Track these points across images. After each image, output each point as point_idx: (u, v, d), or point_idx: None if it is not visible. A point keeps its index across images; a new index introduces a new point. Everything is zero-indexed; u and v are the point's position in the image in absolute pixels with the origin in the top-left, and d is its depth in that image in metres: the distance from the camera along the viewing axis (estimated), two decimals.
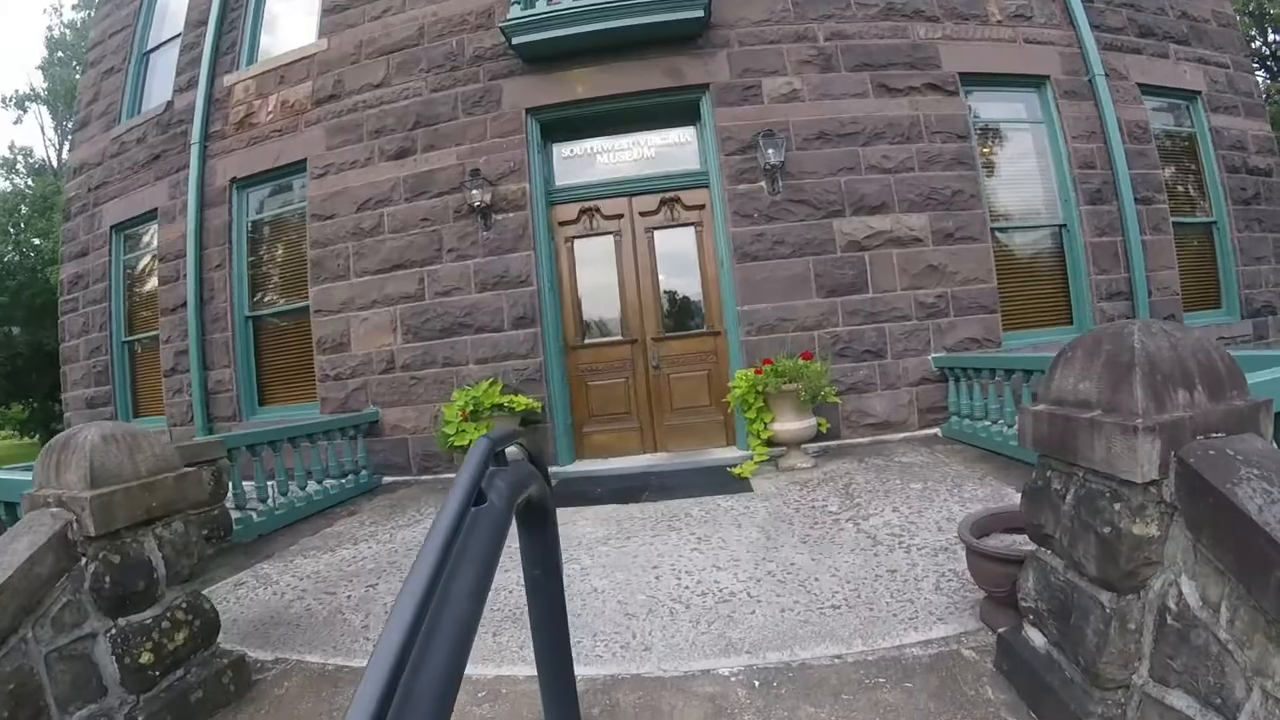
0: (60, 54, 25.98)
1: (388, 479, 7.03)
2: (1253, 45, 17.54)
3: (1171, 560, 1.79)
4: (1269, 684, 1.47)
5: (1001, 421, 5.45)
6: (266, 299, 8.25)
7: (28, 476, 3.07)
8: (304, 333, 7.71)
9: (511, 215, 6.97)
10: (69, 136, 11.58)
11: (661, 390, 7.03)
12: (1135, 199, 7.12)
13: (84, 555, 2.58)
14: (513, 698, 2.67)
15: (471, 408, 6.15)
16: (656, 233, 7.17)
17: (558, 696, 1.92)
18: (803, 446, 5.93)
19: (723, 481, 5.63)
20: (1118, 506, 1.84)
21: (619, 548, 4.23)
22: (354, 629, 3.43)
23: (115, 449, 2.68)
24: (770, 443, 5.84)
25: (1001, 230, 7.20)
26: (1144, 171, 7.33)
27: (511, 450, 1.59)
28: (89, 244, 9.43)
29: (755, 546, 3.98)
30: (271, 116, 7.97)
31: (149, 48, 9.55)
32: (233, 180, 8.09)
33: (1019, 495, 4.27)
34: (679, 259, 7.19)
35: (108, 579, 2.58)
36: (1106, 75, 7.23)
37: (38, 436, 24.17)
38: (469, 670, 2.88)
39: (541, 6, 6.79)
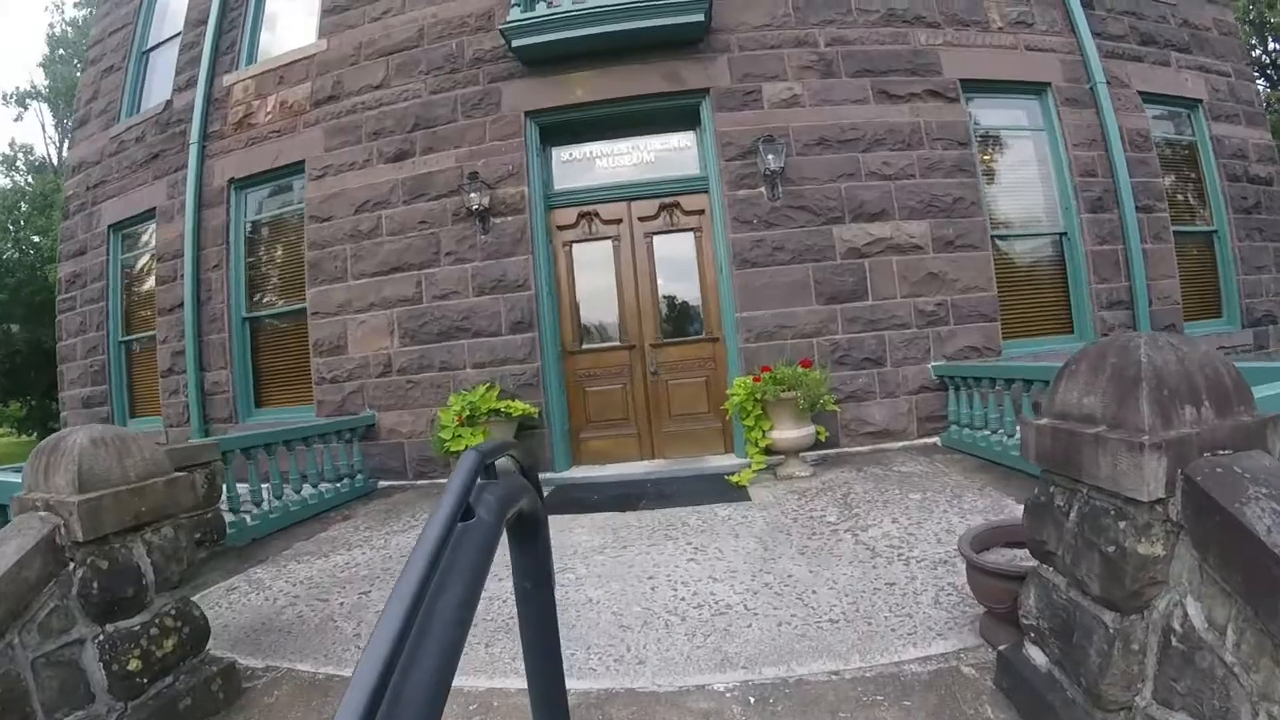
0: (62, 51, 25.95)
1: (384, 483, 6.99)
2: (1253, 54, 17.55)
3: (1177, 580, 1.76)
4: (1275, 709, 1.44)
5: (1001, 431, 5.42)
6: (264, 300, 8.22)
7: (18, 478, 3.03)
8: (301, 335, 7.67)
9: (510, 219, 6.94)
10: (69, 134, 11.57)
11: (659, 396, 6.99)
12: (1136, 207, 7.10)
13: (72, 560, 2.56)
14: (504, 711, 2.63)
15: (468, 413, 6.11)
16: (656, 238, 7.13)
17: (549, 712, 1.87)
18: (801, 455, 5.89)
19: (720, 490, 5.59)
20: (1123, 525, 1.80)
21: (615, 557, 4.20)
22: (345, 637, 3.39)
23: (104, 453, 2.65)
24: (768, 451, 5.81)
25: (1002, 238, 7.18)
26: (1145, 180, 7.32)
27: (503, 462, 1.54)
28: (87, 243, 9.39)
29: (753, 557, 3.94)
30: (270, 117, 7.94)
31: (149, 46, 9.53)
32: (231, 181, 8.06)
33: (1019, 506, 4.26)
34: (678, 264, 7.15)
35: (95, 585, 2.55)
36: (1108, 83, 7.22)
37: (35, 434, 24.10)
38: (460, 682, 2.85)
39: (541, 9, 6.77)
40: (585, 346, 7.18)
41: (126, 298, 9.28)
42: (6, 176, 25.03)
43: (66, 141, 20.66)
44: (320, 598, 3.98)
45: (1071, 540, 2.00)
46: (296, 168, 7.78)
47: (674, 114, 7.13)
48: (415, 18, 7.45)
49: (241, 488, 5.47)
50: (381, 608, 0.64)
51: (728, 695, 2.58)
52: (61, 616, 2.51)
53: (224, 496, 5.19)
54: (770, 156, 6.53)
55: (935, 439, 6.49)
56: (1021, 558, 2.67)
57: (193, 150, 8.11)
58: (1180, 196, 8.01)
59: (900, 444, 6.52)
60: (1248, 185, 8.06)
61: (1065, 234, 7.21)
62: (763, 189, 6.74)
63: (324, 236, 7.47)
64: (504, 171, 6.98)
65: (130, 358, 9.22)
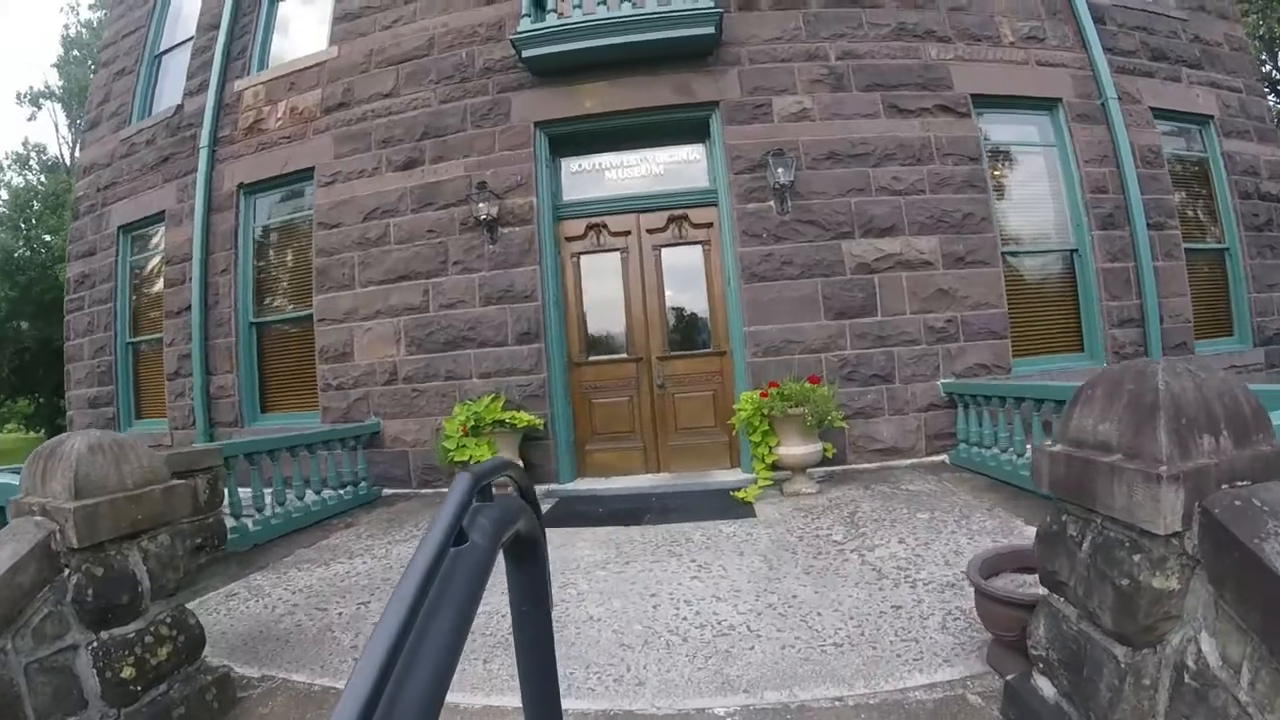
0: (76, 52, 26.19)
1: (387, 491, 6.97)
2: (1264, 69, 17.49)
3: (1191, 615, 1.70)
4: None
5: (1011, 450, 5.35)
6: (271, 306, 8.22)
7: (16, 480, 3.02)
8: (308, 341, 7.68)
9: (518, 229, 6.93)
10: (80, 135, 11.66)
11: (666, 410, 6.95)
12: (1148, 224, 7.05)
13: (67, 567, 2.54)
14: None
15: (472, 423, 6.09)
16: (664, 250, 7.11)
17: None
18: (808, 471, 5.84)
19: (726, 505, 5.54)
20: (1137, 558, 1.75)
21: (617, 573, 4.15)
22: (343, 648, 3.36)
23: (102, 459, 2.63)
24: (775, 467, 5.75)
25: (1012, 254, 7.13)
26: (1156, 196, 7.27)
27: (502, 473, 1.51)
28: (96, 244, 9.43)
29: (757, 576, 3.89)
30: (280, 123, 7.97)
31: (161, 50, 9.59)
32: (240, 185, 8.09)
33: (1028, 527, 4.23)
34: (686, 277, 7.13)
35: (90, 591, 2.54)
36: (1119, 98, 7.19)
37: (43, 431, 24.23)
38: (457, 699, 2.81)
39: (552, 20, 6.78)
40: (592, 358, 7.15)
41: (134, 299, 9.30)
42: (20, 176, 25.26)
43: (78, 142, 20.82)
44: (319, 607, 3.95)
45: (1084, 571, 1.95)
46: (306, 174, 7.81)
47: (683, 126, 7.12)
48: (426, 26, 7.48)
49: (244, 492, 5.45)
50: (379, 620, 0.61)
51: None
52: (55, 622, 2.49)
53: (226, 501, 5.17)
54: (780, 170, 6.50)
55: (944, 457, 6.42)
56: (1030, 582, 2.62)
57: (203, 154, 8.15)
58: (1191, 213, 7.96)
59: (908, 461, 6.46)
60: (1259, 202, 8.00)
61: (1076, 251, 7.16)
62: (772, 203, 6.71)
63: (332, 243, 7.48)
64: (513, 182, 6.97)
65: (137, 359, 9.23)
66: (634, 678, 2.87)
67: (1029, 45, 7.30)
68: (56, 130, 30.17)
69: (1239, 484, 1.69)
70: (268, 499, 5.65)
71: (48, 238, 20.86)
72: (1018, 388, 5.40)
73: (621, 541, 4.80)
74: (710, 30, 6.64)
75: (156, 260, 8.98)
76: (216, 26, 8.44)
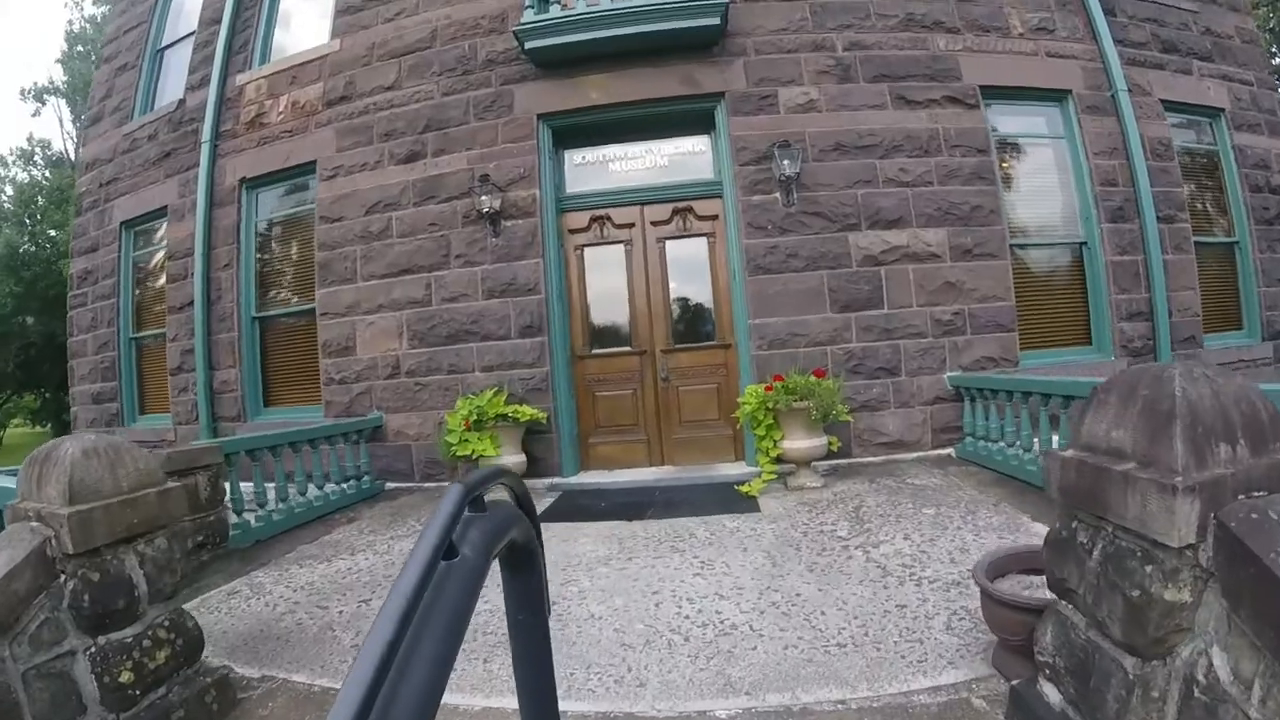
0: (80, 48, 26.12)
1: (390, 485, 6.95)
2: (1275, 62, 17.27)
3: (1203, 628, 1.66)
4: None
5: (1018, 445, 5.30)
6: (273, 300, 8.20)
7: (14, 484, 3.00)
8: (310, 335, 7.66)
9: (521, 222, 6.88)
10: (83, 131, 11.68)
11: (670, 402, 6.92)
12: (1157, 217, 6.96)
13: (63, 572, 2.52)
14: None
15: (475, 417, 6.06)
16: (668, 243, 7.05)
17: None
18: (813, 464, 5.80)
19: (730, 499, 5.51)
20: (1149, 569, 1.70)
21: (620, 569, 4.12)
22: (343, 648, 3.35)
23: (96, 464, 2.60)
24: (779, 460, 5.72)
25: (1021, 247, 7.05)
26: (1166, 189, 7.17)
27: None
28: (99, 239, 9.42)
29: (760, 573, 3.86)
30: (282, 117, 7.93)
31: (163, 45, 9.55)
32: (242, 180, 8.06)
33: (1034, 524, 4.19)
34: (690, 270, 7.07)
35: (87, 597, 2.52)
36: (1129, 90, 7.08)
37: (50, 426, 24.36)
38: (457, 700, 2.78)
39: (555, 11, 6.72)
40: (595, 351, 7.11)
41: (137, 295, 9.30)
42: (24, 171, 25.31)
43: (81, 138, 20.88)
44: (320, 605, 3.94)
45: (1093, 580, 1.90)
46: (308, 168, 7.76)
47: (688, 118, 7.04)
48: (428, 19, 7.41)
49: (246, 487, 5.43)
50: (365, 639, 0.58)
51: None
52: (52, 628, 2.48)
53: (228, 498, 5.16)
54: (786, 162, 6.43)
55: (950, 450, 6.37)
56: (1038, 584, 2.57)
57: (205, 149, 8.11)
58: (1201, 206, 7.87)
59: (914, 455, 6.41)
60: (1270, 196, 7.91)
61: (1085, 244, 7.08)
62: (777, 195, 6.65)
63: (334, 237, 7.44)
64: (515, 174, 6.92)
65: (140, 355, 9.23)
66: (635, 678, 2.85)
67: (1038, 36, 7.19)
68: (61, 125, 30.15)
69: (1255, 494, 1.63)
70: (270, 494, 5.64)
71: (52, 233, 20.91)
72: (1025, 382, 5.34)
73: (624, 537, 4.77)
74: (715, 21, 6.56)
75: (159, 255, 8.97)
76: (218, 21, 8.38)
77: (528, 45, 6.72)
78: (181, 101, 8.73)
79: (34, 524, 2.53)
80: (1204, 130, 8.00)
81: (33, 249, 20.68)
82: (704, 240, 7.04)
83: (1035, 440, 5.09)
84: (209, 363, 7.96)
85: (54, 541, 2.49)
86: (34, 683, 2.39)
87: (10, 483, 3.35)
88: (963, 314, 6.60)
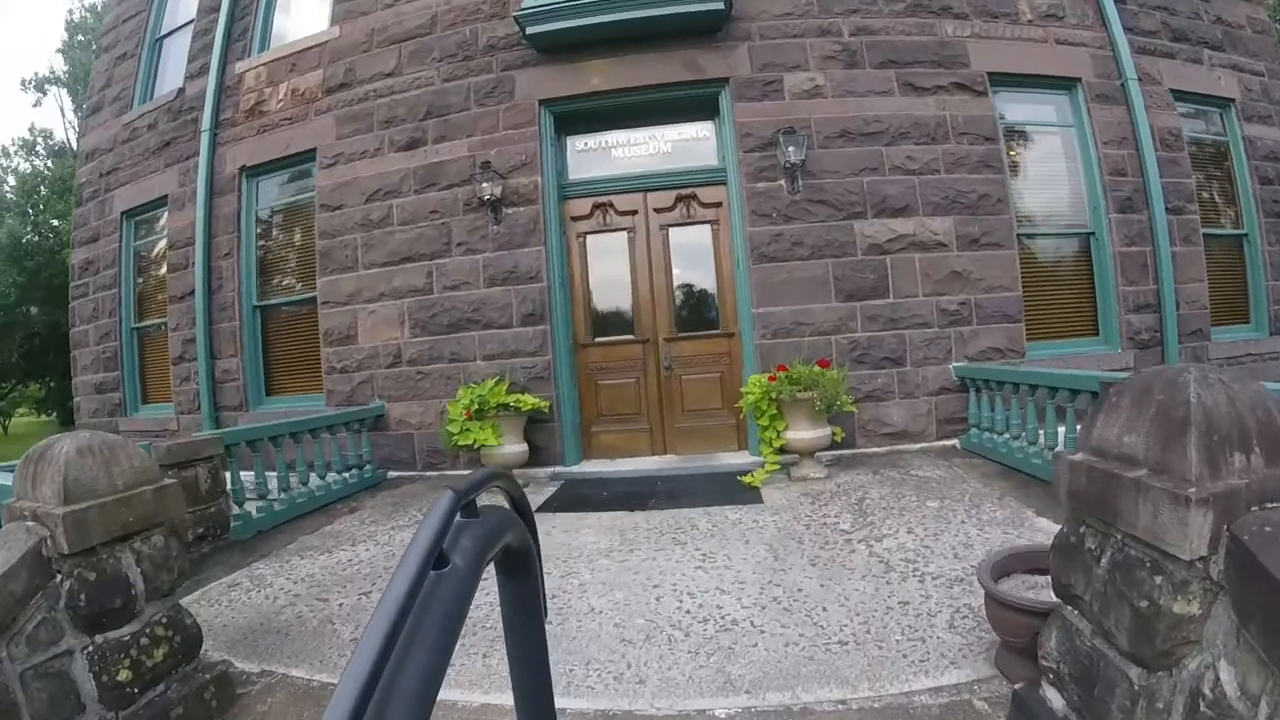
0: (80, 37, 25.96)
1: (392, 474, 6.95)
2: None
3: (1211, 641, 1.62)
4: None
5: (1023, 437, 5.26)
6: (275, 289, 8.17)
7: (9, 482, 2.99)
8: (312, 324, 7.63)
9: (522, 209, 6.82)
10: (83, 120, 11.64)
11: (673, 391, 6.88)
12: (1166, 208, 6.86)
13: (59, 572, 2.51)
14: None
15: (476, 406, 6.03)
16: (671, 230, 6.99)
17: None
18: (816, 455, 5.77)
19: (732, 490, 5.49)
20: (1158, 580, 1.66)
21: (620, 562, 4.10)
22: (342, 642, 3.33)
23: (91, 462, 2.58)
24: (783, 450, 5.69)
25: (1028, 236, 6.97)
26: (1175, 180, 7.07)
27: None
28: (100, 229, 9.40)
29: (762, 567, 3.83)
30: (282, 105, 7.86)
31: (162, 34, 9.48)
32: (242, 168, 8.01)
33: (1039, 519, 4.15)
34: (694, 258, 7.01)
35: (83, 596, 2.51)
36: (1139, 79, 6.96)
37: (55, 415, 24.46)
38: (455, 696, 2.76)
39: None
40: (598, 339, 7.07)
41: (138, 284, 9.29)
42: (26, 161, 25.26)
43: (81, 128, 20.85)
44: (320, 597, 3.93)
45: (1101, 588, 1.86)
46: (308, 156, 7.71)
47: (692, 104, 6.95)
48: (429, 4, 7.31)
49: (247, 477, 5.43)
50: (352, 654, 0.55)
51: None
52: (50, 628, 2.46)
53: (229, 488, 5.15)
54: (791, 148, 6.35)
55: (954, 441, 6.33)
56: (1042, 584, 2.54)
57: (204, 138, 8.06)
58: (1209, 198, 7.75)
59: (918, 446, 6.38)
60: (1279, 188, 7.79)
61: (1093, 234, 6.99)
62: (782, 182, 6.57)
63: (335, 225, 7.40)
64: (517, 161, 6.85)
65: (142, 344, 9.24)
66: (634, 675, 2.83)
67: (1048, 23, 7.07)
68: (63, 115, 30.00)
69: (1270, 506, 1.59)
70: (272, 483, 5.64)
71: (55, 223, 20.90)
72: (1031, 374, 5.29)
73: (626, 528, 4.76)
74: (720, 5, 6.45)
75: (160, 245, 8.94)
76: (217, 8, 8.30)
77: (529, 30, 6.63)
78: (181, 90, 8.67)
79: (29, 524, 2.51)
80: (1214, 121, 7.87)
81: (36, 239, 20.68)
82: (708, 228, 6.97)
83: (1040, 433, 5.05)
84: (210, 352, 7.94)
85: (49, 541, 2.47)
86: (32, 682, 2.38)
87: (6, 480, 3.34)
88: (969, 304, 6.54)
